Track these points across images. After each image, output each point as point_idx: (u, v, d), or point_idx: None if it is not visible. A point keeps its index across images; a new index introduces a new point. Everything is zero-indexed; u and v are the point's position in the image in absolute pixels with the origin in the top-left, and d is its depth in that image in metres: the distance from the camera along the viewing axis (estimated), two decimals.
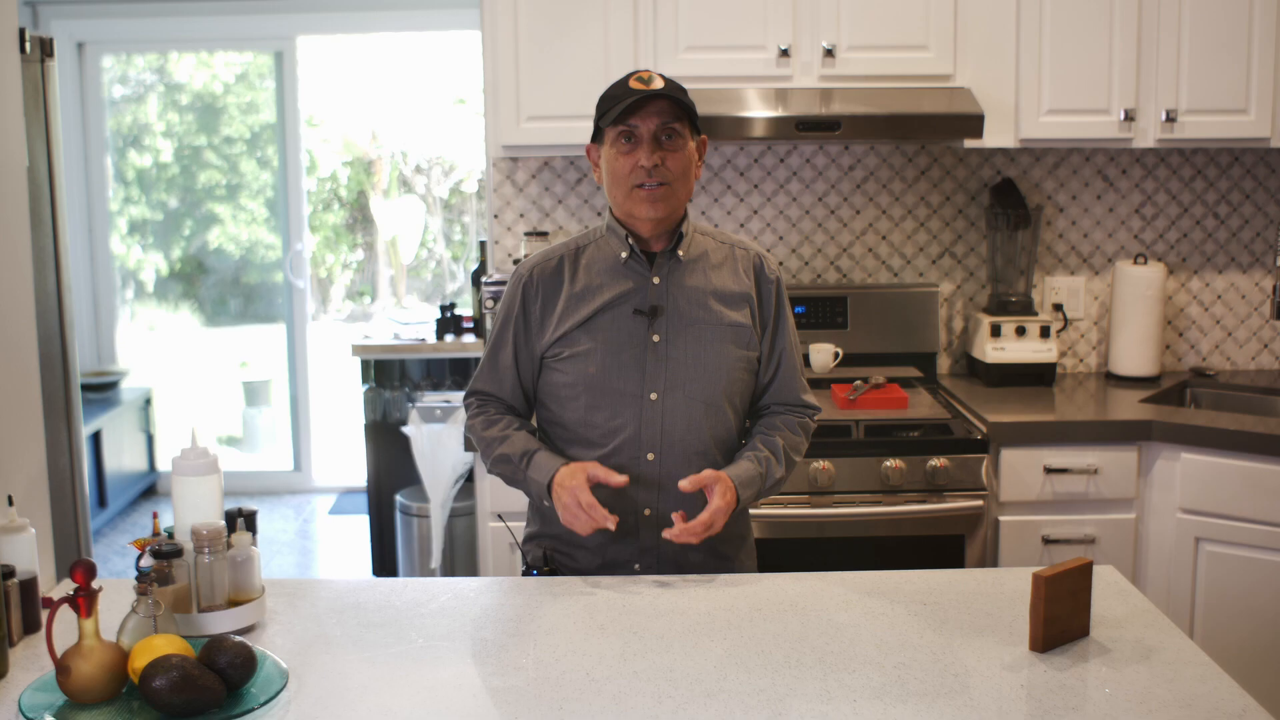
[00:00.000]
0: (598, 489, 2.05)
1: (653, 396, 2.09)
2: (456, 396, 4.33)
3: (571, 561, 2.17)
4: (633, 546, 2.12)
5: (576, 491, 1.99)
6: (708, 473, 2.04)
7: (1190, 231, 3.68)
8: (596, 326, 2.10)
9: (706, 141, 2.16)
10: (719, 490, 2.02)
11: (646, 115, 2.03)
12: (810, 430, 2.24)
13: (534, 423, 2.25)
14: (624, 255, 2.11)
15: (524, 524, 2.30)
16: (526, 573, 2.17)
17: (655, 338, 2.09)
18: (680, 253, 2.12)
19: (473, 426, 2.21)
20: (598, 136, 2.12)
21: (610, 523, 1.98)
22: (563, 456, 2.13)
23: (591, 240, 2.17)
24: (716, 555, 2.16)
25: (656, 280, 2.11)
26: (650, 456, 2.09)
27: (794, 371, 2.21)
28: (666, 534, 2.01)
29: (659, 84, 2.03)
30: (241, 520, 1.91)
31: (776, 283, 2.18)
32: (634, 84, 2.03)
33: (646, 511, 2.11)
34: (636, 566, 2.12)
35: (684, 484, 2.02)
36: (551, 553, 2.17)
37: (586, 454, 2.11)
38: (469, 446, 3.08)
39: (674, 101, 2.03)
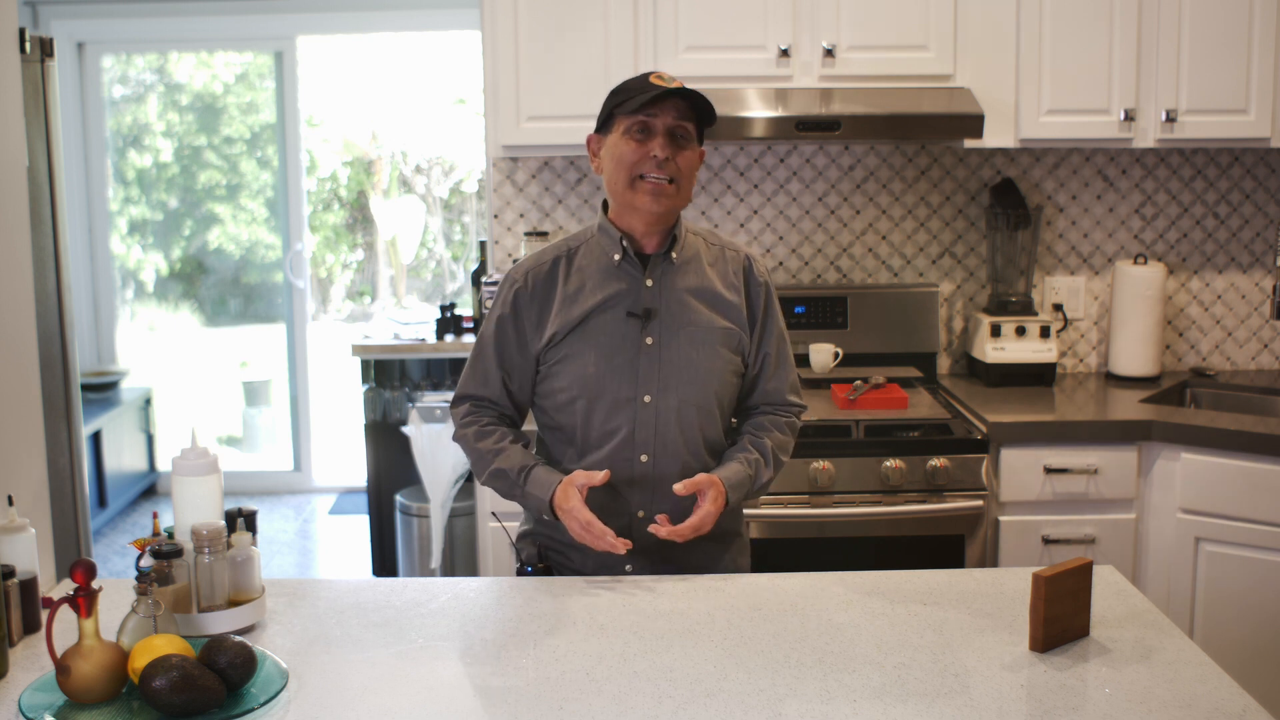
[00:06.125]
0: (593, 492, 2.07)
1: (646, 399, 2.09)
2: None
3: (566, 560, 2.17)
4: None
5: (577, 514, 2.01)
6: (702, 477, 2.04)
7: (1190, 231, 3.68)
8: (590, 329, 2.09)
9: (704, 154, 2.16)
10: (711, 495, 2.03)
11: (665, 110, 2.03)
12: (797, 429, 2.24)
13: (527, 427, 2.25)
14: (617, 257, 2.11)
15: (518, 522, 2.30)
16: (521, 569, 2.18)
17: (648, 340, 2.09)
18: (674, 255, 2.12)
19: (465, 437, 2.17)
20: (604, 127, 2.11)
21: (620, 547, 1.99)
22: (557, 468, 2.13)
23: (583, 241, 2.16)
24: (708, 555, 2.17)
25: (650, 283, 2.11)
26: (644, 458, 2.10)
27: (782, 372, 2.20)
28: (652, 529, 2.02)
29: (678, 85, 2.04)
30: (241, 520, 1.90)
31: (765, 285, 2.18)
32: (655, 80, 2.04)
33: (640, 514, 2.11)
34: (628, 568, 2.12)
35: (679, 488, 2.03)
36: (546, 550, 2.18)
37: (582, 458, 2.12)
38: None
39: (691, 104, 2.04)
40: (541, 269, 2.14)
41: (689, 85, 2.06)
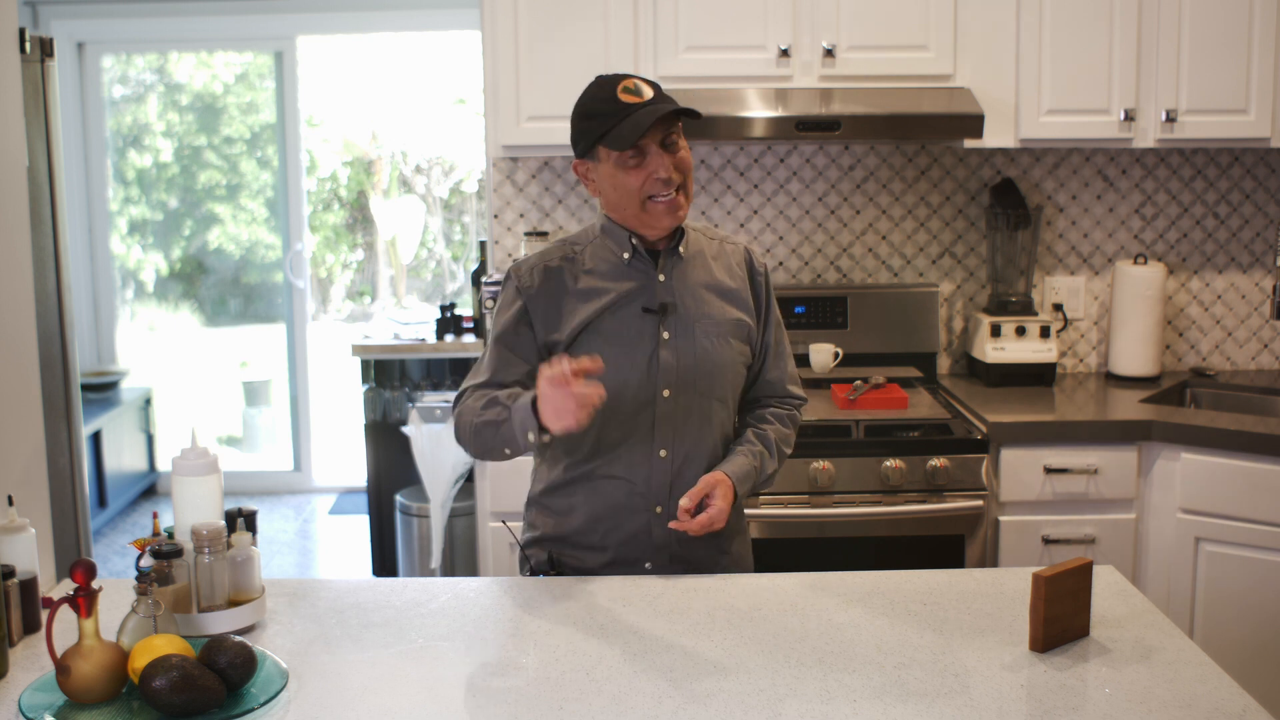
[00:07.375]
0: (610, 489, 2.06)
1: (665, 393, 2.08)
2: None
3: (579, 563, 2.14)
4: (645, 544, 2.11)
5: (552, 372, 1.83)
6: (704, 480, 2.05)
7: (1190, 231, 3.68)
8: (605, 327, 2.07)
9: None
10: (719, 493, 2.04)
11: (653, 130, 1.98)
12: (798, 421, 2.26)
13: None
14: (626, 255, 2.10)
15: (522, 527, 2.28)
16: (531, 575, 2.15)
17: (665, 335, 2.08)
18: (681, 249, 2.12)
19: (458, 415, 2.06)
20: (587, 151, 2.05)
21: (596, 396, 1.82)
22: (564, 469, 2.13)
23: (587, 242, 2.14)
24: (719, 550, 2.18)
25: (662, 278, 2.10)
26: (663, 453, 2.09)
27: (782, 363, 2.24)
28: (671, 524, 2.03)
29: (649, 92, 1.99)
30: (241, 520, 1.90)
31: (765, 274, 2.21)
32: (626, 97, 1.97)
33: (658, 509, 2.10)
34: (648, 565, 2.12)
35: (684, 501, 2.01)
36: (558, 556, 2.15)
37: (598, 456, 2.09)
38: None
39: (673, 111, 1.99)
40: (547, 269, 2.10)
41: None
